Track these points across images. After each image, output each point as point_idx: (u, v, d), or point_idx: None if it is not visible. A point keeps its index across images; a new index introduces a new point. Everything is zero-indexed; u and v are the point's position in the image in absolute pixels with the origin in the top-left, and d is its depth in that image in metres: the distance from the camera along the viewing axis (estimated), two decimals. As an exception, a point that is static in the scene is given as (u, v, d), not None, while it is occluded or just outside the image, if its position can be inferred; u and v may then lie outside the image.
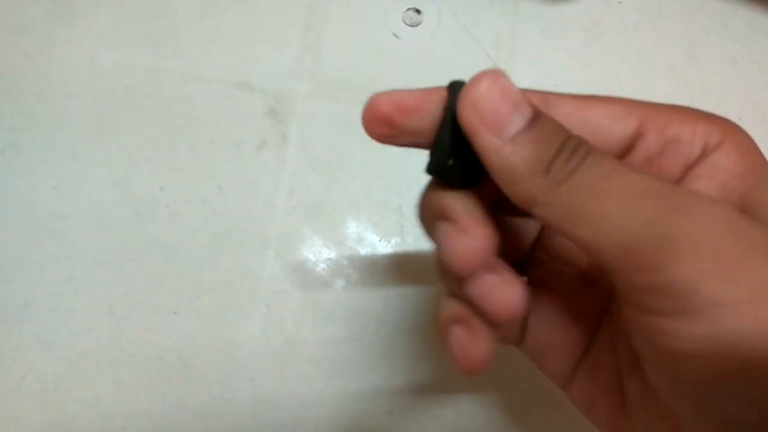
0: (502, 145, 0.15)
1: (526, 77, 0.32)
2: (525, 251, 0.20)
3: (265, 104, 0.31)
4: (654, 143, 0.16)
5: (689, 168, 0.16)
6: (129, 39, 0.32)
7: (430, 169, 0.17)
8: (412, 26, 0.33)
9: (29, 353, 0.27)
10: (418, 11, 0.33)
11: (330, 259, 0.29)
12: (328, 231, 0.30)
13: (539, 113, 0.15)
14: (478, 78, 0.15)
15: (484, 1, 0.34)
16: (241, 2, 0.33)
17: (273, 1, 0.33)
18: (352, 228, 0.30)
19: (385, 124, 0.16)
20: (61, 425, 0.27)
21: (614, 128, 0.16)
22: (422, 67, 0.32)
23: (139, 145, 0.30)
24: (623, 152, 0.16)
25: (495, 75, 0.15)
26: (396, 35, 0.33)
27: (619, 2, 0.34)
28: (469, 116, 0.15)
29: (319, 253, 0.29)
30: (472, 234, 0.16)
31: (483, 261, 0.16)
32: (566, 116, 0.16)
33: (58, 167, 0.30)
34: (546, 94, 0.16)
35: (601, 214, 0.14)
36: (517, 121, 0.15)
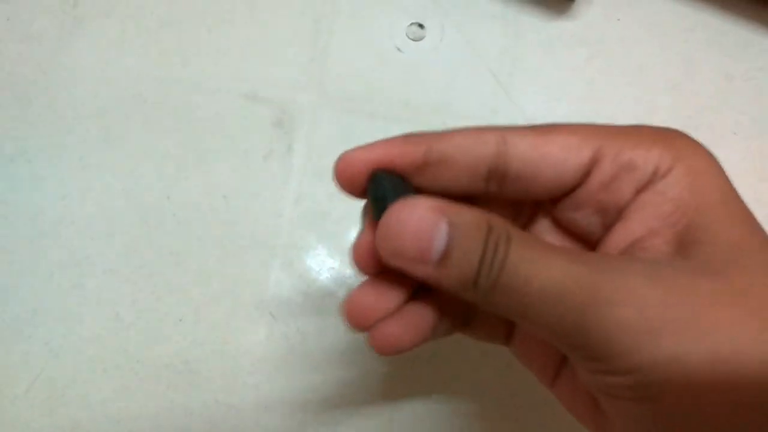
0: (431, 271, 0.16)
1: (527, 92, 0.33)
2: None
3: (271, 115, 0.32)
4: (608, 169, 0.17)
5: (639, 192, 0.17)
6: (137, 49, 0.33)
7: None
8: (415, 40, 0.33)
9: (37, 359, 0.28)
10: (421, 26, 0.34)
11: (333, 268, 0.30)
12: (333, 240, 0.30)
13: (454, 226, 0.15)
14: (386, 221, 0.16)
15: (486, 16, 0.34)
16: (249, 14, 0.34)
17: (280, 14, 0.34)
18: (356, 238, 0.30)
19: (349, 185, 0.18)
20: (69, 430, 0.27)
21: (569, 160, 0.17)
22: (425, 81, 0.33)
23: (147, 154, 0.31)
24: (580, 180, 0.17)
25: (400, 214, 0.16)
26: (399, 49, 0.33)
27: (618, 19, 0.35)
28: (393, 260, 0.16)
29: (322, 263, 0.30)
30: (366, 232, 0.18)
31: (364, 259, 0.18)
32: (524, 156, 0.17)
33: (66, 175, 0.30)
34: (504, 132, 0.17)
35: (531, 301, 0.15)
36: (439, 244, 0.15)
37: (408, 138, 0.18)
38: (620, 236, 0.17)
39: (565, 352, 0.16)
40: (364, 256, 0.18)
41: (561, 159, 0.17)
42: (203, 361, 0.28)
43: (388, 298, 0.18)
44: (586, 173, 0.17)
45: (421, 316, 0.19)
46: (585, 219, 0.18)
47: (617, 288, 0.14)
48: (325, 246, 0.30)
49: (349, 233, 0.30)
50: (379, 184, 0.17)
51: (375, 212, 0.17)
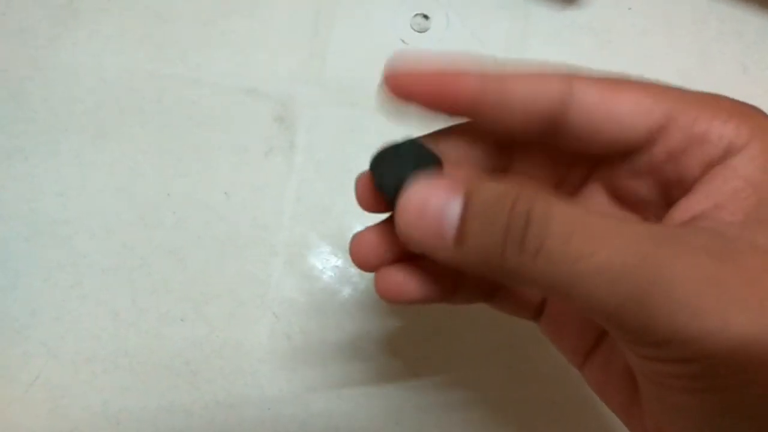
0: (450, 251, 0.15)
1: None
2: None
3: (272, 110, 0.31)
4: (678, 140, 0.15)
5: (709, 167, 0.15)
6: (134, 44, 0.32)
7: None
8: (419, 32, 0.33)
9: (36, 360, 0.27)
10: (425, 17, 0.33)
11: (337, 266, 0.29)
12: (336, 238, 0.29)
13: (470, 198, 0.15)
14: (400, 205, 0.15)
15: (492, 6, 0.33)
16: (248, 7, 0.33)
17: (280, 7, 0.33)
18: (360, 235, 0.30)
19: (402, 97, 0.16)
20: (68, 432, 0.27)
21: (638, 122, 0.15)
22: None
23: (145, 151, 0.30)
24: (646, 144, 0.16)
25: (409, 196, 0.15)
26: (404, 41, 0.33)
27: (629, 8, 0.34)
28: (409, 240, 0.15)
29: (326, 261, 0.29)
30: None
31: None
32: (589, 109, 0.15)
33: (63, 173, 0.30)
34: (571, 80, 0.15)
35: (582, 278, 0.13)
36: (450, 222, 0.14)
37: (465, 69, 0.16)
38: (682, 210, 0.15)
39: (615, 335, 0.14)
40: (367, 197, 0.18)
41: (629, 118, 0.15)
42: (204, 362, 0.28)
43: (392, 242, 0.18)
44: (653, 139, 0.15)
45: (427, 269, 0.18)
46: (644, 189, 0.17)
47: (687, 266, 0.13)
48: (328, 243, 0.29)
49: (352, 230, 0.30)
50: (400, 151, 0.16)
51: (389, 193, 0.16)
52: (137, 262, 0.29)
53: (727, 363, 0.13)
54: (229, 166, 0.30)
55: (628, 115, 0.15)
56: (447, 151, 0.18)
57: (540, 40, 0.33)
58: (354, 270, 0.29)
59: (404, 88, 0.16)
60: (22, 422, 0.27)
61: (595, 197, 0.18)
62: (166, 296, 0.28)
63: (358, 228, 0.30)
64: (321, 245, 0.29)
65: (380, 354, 0.28)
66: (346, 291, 0.29)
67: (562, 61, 0.35)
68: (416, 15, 0.33)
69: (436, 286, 0.18)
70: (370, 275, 0.29)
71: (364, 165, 0.31)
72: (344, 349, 0.28)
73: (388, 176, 0.16)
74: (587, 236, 0.13)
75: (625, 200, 0.18)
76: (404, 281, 0.18)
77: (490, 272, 0.15)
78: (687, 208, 0.15)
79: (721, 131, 0.15)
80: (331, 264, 0.29)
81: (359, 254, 0.18)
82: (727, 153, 0.15)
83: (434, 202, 0.15)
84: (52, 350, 0.28)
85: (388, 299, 0.18)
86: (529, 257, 0.14)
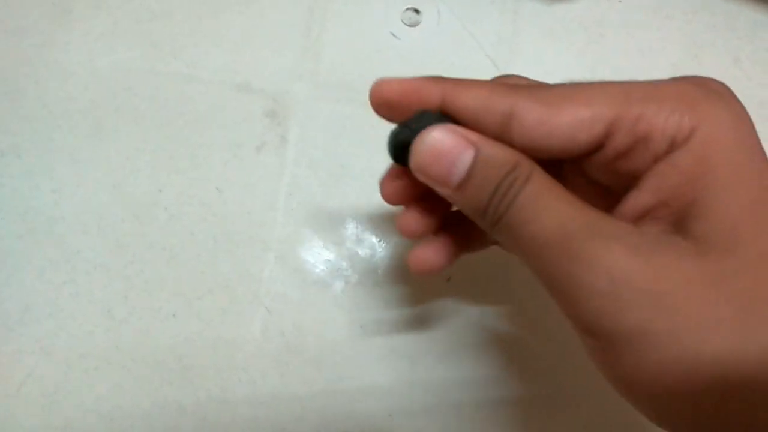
0: (451, 193, 0.17)
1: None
2: None
3: (264, 106, 0.31)
4: (623, 141, 0.16)
5: (656, 162, 0.16)
6: (127, 41, 0.32)
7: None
8: (411, 26, 0.33)
9: (29, 357, 0.27)
10: (416, 11, 0.33)
11: (329, 260, 0.29)
12: (328, 233, 0.29)
13: (478, 157, 0.16)
14: (421, 138, 0.17)
15: (484, 0, 0.33)
16: (240, 4, 0.33)
17: (272, 3, 0.33)
18: (352, 229, 0.30)
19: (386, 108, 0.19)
20: (61, 429, 0.27)
21: (579, 136, 0.16)
22: (421, 67, 0.32)
23: (138, 147, 0.30)
24: (592, 150, 0.16)
25: (433, 133, 0.17)
26: (395, 35, 0.33)
27: (620, 1, 0.34)
28: (419, 175, 0.17)
29: (318, 255, 0.29)
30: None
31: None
32: (530, 127, 0.16)
33: (57, 170, 0.30)
34: (514, 101, 0.16)
35: (525, 248, 0.16)
36: (460, 169, 0.17)
37: (430, 79, 0.18)
38: (635, 203, 0.16)
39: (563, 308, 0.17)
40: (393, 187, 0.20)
41: (570, 134, 0.16)
42: (197, 357, 0.28)
43: (426, 221, 0.20)
44: (599, 145, 0.16)
45: (448, 243, 0.21)
46: (605, 179, 0.18)
47: (600, 252, 0.15)
48: (321, 238, 0.29)
49: (344, 225, 0.30)
50: (422, 116, 0.18)
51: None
52: (130, 259, 0.29)
53: (618, 343, 0.15)
54: (222, 161, 0.30)
55: (566, 133, 0.16)
56: None
57: (531, 34, 0.33)
58: (345, 264, 0.29)
59: (384, 102, 0.18)
60: (14, 419, 0.27)
61: (570, 176, 0.19)
62: (159, 292, 0.28)
63: (350, 222, 0.30)
64: (313, 240, 0.29)
65: (373, 347, 0.28)
66: (339, 285, 0.29)
67: (553, 55, 0.35)
68: (407, 9, 0.33)
69: (454, 253, 0.21)
70: (362, 270, 0.29)
71: (357, 159, 0.31)
72: (337, 343, 0.28)
73: (404, 131, 0.18)
74: (536, 207, 0.16)
75: (596, 186, 0.18)
76: (432, 257, 0.20)
77: (476, 221, 0.17)
78: (639, 202, 0.16)
79: (664, 127, 0.15)
80: (323, 258, 0.29)
81: (406, 232, 0.21)
82: (672, 147, 0.15)
83: (449, 150, 0.17)
84: (45, 347, 0.28)
85: (421, 274, 0.21)
86: (498, 217, 0.16)
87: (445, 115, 0.18)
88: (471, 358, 0.28)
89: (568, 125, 0.16)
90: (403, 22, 0.33)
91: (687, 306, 0.14)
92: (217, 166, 0.30)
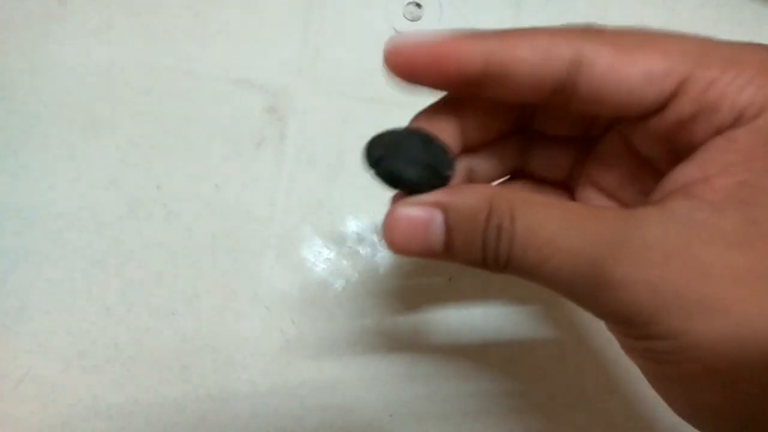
0: (443, 257, 0.17)
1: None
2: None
3: (263, 101, 0.31)
4: (687, 107, 0.14)
5: (713, 135, 0.14)
6: (124, 35, 0.31)
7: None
8: (412, 21, 0.32)
9: (26, 355, 0.27)
10: (418, 5, 0.32)
11: (329, 259, 0.29)
12: (328, 230, 0.29)
13: (448, 215, 0.16)
14: (386, 230, 0.17)
15: (486, -6, 0.33)
16: (239, -4, 0.32)
17: (271, -4, 0.32)
18: (352, 227, 0.29)
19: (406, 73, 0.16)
20: (59, 427, 0.26)
21: (649, 90, 0.14)
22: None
23: (136, 143, 0.30)
24: (656, 111, 0.15)
25: (394, 216, 0.16)
26: (396, 30, 0.32)
27: (625, -5, 0.33)
28: (404, 255, 0.17)
29: (318, 253, 0.29)
30: None
31: None
32: (599, 76, 0.14)
33: (53, 166, 0.29)
34: (581, 44, 0.14)
35: (545, 278, 0.15)
36: (437, 235, 0.16)
37: (465, 39, 0.15)
38: (672, 179, 0.15)
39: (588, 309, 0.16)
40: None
41: (640, 88, 0.14)
42: (196, 356, 0.27)
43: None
44: (662, 105, 0.15)
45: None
46: (652, 149, 0.16)
47: (635, 276, 0.14)
48: (320, 236, 0.29)
49: (345, 223, 0.29)
50: (398, 145, 0.17)
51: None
52: (128, 256, 0.28)
53: (690, 350, 0.14)
54: (220, 157, 0.30)
55: (638, 84, 0.14)
56: (445, 127, 0.18)
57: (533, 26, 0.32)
58: (346, 262, 0.29)
59: (405, 67, 0.15)
60: (12, 418, 0.27)
61: (614, 149, 0.18)
62: (157, 290, 0.28)
63: (351, 220, 0.30)
64: (313, 238, 0.29)
65: (374, 346, 0.28)
66: (339, 284, 0.29)
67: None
68: (409, 3, 0.32)
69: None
70: (363, 269, 0.29)
71: (357, 156, 0.31)
72: (337, 342, 0.28)
73: (407, 169, 0.17)
74: (541, 244, 0.15)
75: (638, 154, 0.17)
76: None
77: (491, 271, 0.16)
78: (677, 177, 0.15)
79: (736, 98, 0.14)
80: (323, 257, 0.29)
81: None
82: (737, 122, 0.14)
83: (417, 222, 0.16)
84: (43, 345, 0.27)
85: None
86: (503, 266, 0.16)
87: (415, 133, 0.17)
88: (472, 357, 0.28)
89: (643, 75, 0.14)
90: (404, 16, 0.32)
91: (726, 302, 0.13)
92: (215, 162, 0.30)
